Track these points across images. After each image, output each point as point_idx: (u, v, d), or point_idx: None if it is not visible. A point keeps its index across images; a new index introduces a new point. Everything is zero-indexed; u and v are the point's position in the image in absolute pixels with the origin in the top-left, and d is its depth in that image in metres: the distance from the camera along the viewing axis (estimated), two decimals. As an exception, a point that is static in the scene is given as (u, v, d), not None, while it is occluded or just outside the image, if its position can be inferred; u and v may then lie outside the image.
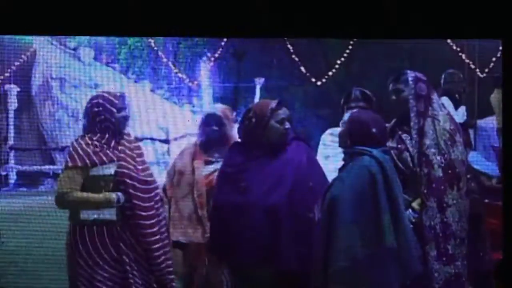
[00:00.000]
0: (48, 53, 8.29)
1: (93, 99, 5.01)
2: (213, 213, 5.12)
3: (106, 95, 5.02)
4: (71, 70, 9.26)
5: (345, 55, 9.49)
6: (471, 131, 7.74)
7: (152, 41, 8.96)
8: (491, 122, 7.99)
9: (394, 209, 4.69)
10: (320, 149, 5.65)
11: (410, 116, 5.03)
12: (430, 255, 4.93)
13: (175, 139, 8.59)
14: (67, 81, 9.53)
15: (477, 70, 8.96)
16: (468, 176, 5.37)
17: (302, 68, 9.64)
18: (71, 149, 4.91)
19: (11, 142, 8.93)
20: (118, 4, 5.46)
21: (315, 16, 5.50)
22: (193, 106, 9.90)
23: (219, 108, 5.54)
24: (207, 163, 5.30)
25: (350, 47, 9.37)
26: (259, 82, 9.64)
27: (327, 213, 4.74)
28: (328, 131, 5.66)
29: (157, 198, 5.06)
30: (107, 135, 4.94)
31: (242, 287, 5.12)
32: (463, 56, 8.92)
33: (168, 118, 8.63)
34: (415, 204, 4.96)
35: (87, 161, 4.86)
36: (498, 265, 4.26)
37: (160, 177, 5.42)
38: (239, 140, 5.22)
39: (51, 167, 8.90)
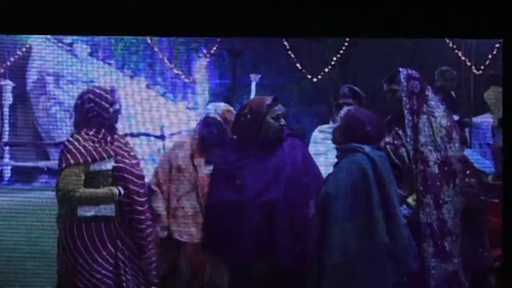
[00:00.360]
0: (43, 49, 8.25)
1: (84, 95, 5.00)
2: (208, 211, 5.11)
3: (97, 90, 5.01)
4: (67, 66, 9.22)
5: (341, 52, 9.49)
6: (466, 129, 7.75)
7: (148, 37, 8.94)
8: (486, 120, 8.01)
9: (386, 205, 4.70)
10: (311, 146, 5.65)
11: (404, 113, 5.04)
12: (427, 252, 4.94)
13: (171, 135, 8.56)
14: (62, 77, 9.50)
15: (473, 67, 8.97)
16: (468, 172, 5.38)
17: (298, 65, 9.64)
18: (70, 146, 4.90)
19: (6, 137, 8.90)
20: (115, 4, 5.46)
21: (312, 15, 5.50)
22: (189, 103, 9.88)
23: (220, 109, 5.42)
24: (207, 162, 5.26)
25: (346, 44, 9.37)
26: (255, 78, 9.62)
27: (320, 210, 4.76)
28: (318, 128, 5.65)
29: (147, 193, 5.10)
30: (103, 130, 4.94)
31: (239, 284, 5.12)
32: (460, 54, 8.93)
33: (164, 114, 8.59)
34: (410, 200, 4.97)
35: (88, 157, 4.87)
36: (499, 264, 4.28)
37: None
38: (234, 137, 5.21)
39: (46, 162, 8.88)
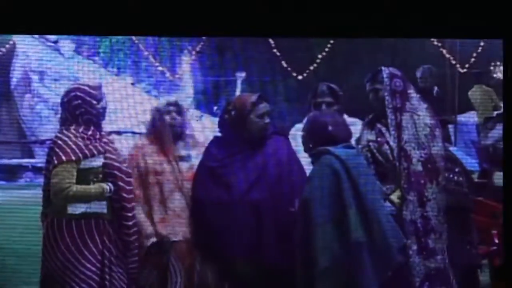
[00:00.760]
0: (27, 46, 8.20)
1: (71, 92, 4.98)
2: (194, 208, 5.10)
3: (84, 87, 4.99)
4: (51, 63, 9.18)
5: (326, 49, 9.48)
6: (451, 127, 7.77)
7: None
8: (471, 118, 8.04)
9: (361, 202, 4.72)
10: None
11: (387, 112, 5.06)
12: (411, 249, 4.95)
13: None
14: (47, 74, 9.46)
15: (458, 65, 8.99)
16: (457, 170, 5.40)
17: (283, 63, 9.63)
18: (60, 142, 4.88)
19: (-10, 135, 8.87)
20: (101, 3, 5.44)
21: (299, 15, 5.50)
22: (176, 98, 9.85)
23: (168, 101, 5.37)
24: (180, 159, 5.21)
25: (332, 41, 9.36)
26: (240, 76, 9.60)
27: (301, 214, 4.77)
28: (295, 127, 5.64)
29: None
30: (91, 127, 4.93)
31: (227, 283, 5.12)
32: (444, 52, 8.94)
33: (149, 112, 8.58)
34: (393, 197, 4.98)
35: (80, 154, 4.86)
36: (499, 265, 4.30)
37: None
38: (219, 134, 5.20)
39: (31, 160, 8.85)
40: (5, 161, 8.67)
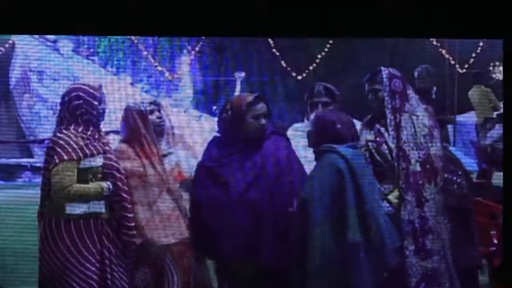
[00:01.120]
0: (27, 46, 8.22)
1: (72, 92, 4.96)
2: (193, 208, 5.09)
3: (86, 87, 4.97)
4: (50, 62, 9.19)
5: (326, 49, 9.50)
6: (450, 127, 7.78)
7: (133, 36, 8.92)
8: (470, 118, 8.05)
9: (361, 203, 4.71)
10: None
11: (386, 113, 5.06)
12: (408, 249, 4.95)
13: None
14: (46, 74, 9.48)
15: (457, 66, 9.00)
16: (460, 172, 5.41)
17: (283, 63, 9.64)
18: (61, 141, 4.87)
19: (-12, 135, 8.87)
20: (101, 3, 5.44)
21: (299, 15, 5.50)
22: (174, 100, 9.87)
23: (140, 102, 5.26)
24: (164, 157, 5.12)
25: (331, 41, 9.37)
26: (239, 76, 9.61)
27: (300, 212, 4.76)
28: (292, 127, 5.63)
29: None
30: (91, 127, 4.92)
31: (225, 283, 5.12)
32: (443, 52, 8.95)
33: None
34: (391, 197, 4.98)
35: (80, 153, 4.85)
36: (499, 265, 4.29)
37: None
38: (218, 134, 5.20)
39: (29, 160, 8.85)
40: (3, 160, 8.68)
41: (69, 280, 4.81)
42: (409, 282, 4.94)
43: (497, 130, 6.49)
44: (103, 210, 4.90)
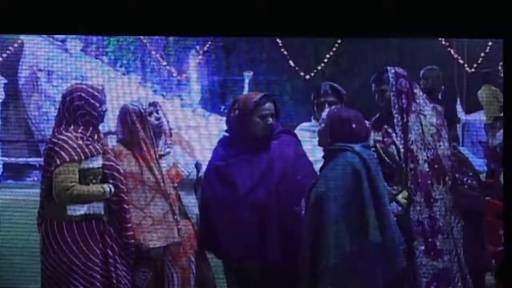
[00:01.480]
0: (35, 45, 8.20)
1: (74, 92, 4.95)
2: (202, 207, 5.09)
3: (88, 88, 4.97)
4: (59, 62, 9.17)
5: (334, 49, 9.48)
6: (459, 126, 7.76)
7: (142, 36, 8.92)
8: (479, 118, 8.02)
9: (379, 204, 4.70)
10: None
11: (393, 113, 5.05)
12: (418, 249, 4.94)
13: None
14: (54, 73, 9.47)
15: (466, 65, 8.98)
16: (471, 173, 5.40)
17: (291, 62, 9.63)
18: (61, 143, 4.87)
19: (-3, 134, 8.88)
20: (109, 3, 5.45)
21: (307, 15, 5.49)
22: (182, 100, 9.87)
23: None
24: (159, 157, 5.10)
25: (339, 41, 9.36)
26: (248, 75, 9.60)
27: (313, 211, 4.75)
28: (299, 126, 5.60)
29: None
30: (91, 128, 4.92)
31: (231, 282, 5.12)
32: (452, 51, 8.93)
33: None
34: (400, 198, 4.97)
35: (81, 154, 4.85)
36: (499, 265, 4.28)
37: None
38: (226, 133, 5.20)
39: (38, 159, 8.85)
40: (12, 160, 8.70)
41: (73, 281, 4.82)
42: (419, 282, 4.95)
43: (506, 130, 6.47)
44: (102, 212, 4.90)
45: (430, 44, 8.34)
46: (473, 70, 9.05)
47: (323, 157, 4.92)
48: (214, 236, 5.00)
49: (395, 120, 5.05)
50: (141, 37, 9.01)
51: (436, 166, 5.03)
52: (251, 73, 9.59)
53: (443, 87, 7.62)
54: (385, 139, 5.08)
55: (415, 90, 5.13)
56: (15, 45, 8.76)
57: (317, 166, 5.03)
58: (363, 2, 5.48)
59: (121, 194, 4.93)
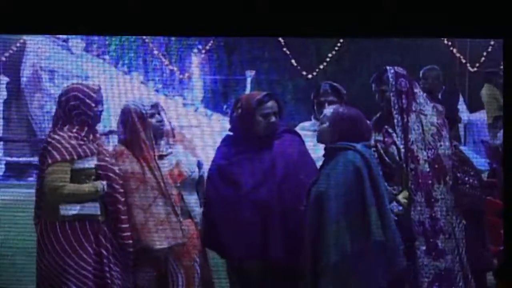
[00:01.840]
0: (38, 44, 8.22)
1: (70, 92, 4.94)
2: (205, 206, 5.09)
3: (84, 88, 4.95)
4: (61, 61, 9.19)
5: (336, 48, 9.50)
6: (461, 126, 7.76)
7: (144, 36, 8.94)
8: (481, 117, 8.01)
9: (380, 203, 4.70)
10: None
11: (393, 113, 5.04)
12: (419, 250, 4.94)
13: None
14: (57, 73, 9.49)
15: (468, 64, 8.99)
16: (472, 172, 5.39)
17: (293, 61, 9.64)
18: (54, 142, 4.86)
19: (0, 133, 8.91)
20: (111, 3, 5.45)
21: (308, 14, 5.49)
22: (184, 99, 9.89)
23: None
24: (161, 158, 5.08)
25: (341, 41, 9.37)
26: (250, 75, 9.61)
27: (314, 209, 4.75)
28: (299, 126, 5.60)
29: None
30: (86, 128, 4.91)
31: (233, 281, 5.12)
32: (454, 51, 8.94)
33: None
34: (400, 197, 4.97)
35: (74, 154, 4.84)
36: (499, 264, 4.28)
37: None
38: (230, 132, 5.20)
39: (40, 158, 8.86)
40: (14, 159, 8.71)
41: (66, 281, 4.82)
42: (421, 283, 4.94)
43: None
44: (98, 212, 4.90)
45: (433, 44, 8.34)
46: (475, 69, 9.06)
47: (324, 155, 4.92)
48: (217, 234, 5.00)
49: (395, 120, 5.05)
50: (143, 36, 9.03)
51: (436, 166, 5.02)
52: (253, 72, 9.60)
53: (444, 86, 7.62)
54: (386, 139, 5.07)
55: (415, 90, 5.13)
56: (18, 44, 8.79)
57: (318, 164, 5.03)
58: (364, 2, 5.47)
59: (115, 195, 4.91)
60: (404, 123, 5.03)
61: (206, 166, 5.20)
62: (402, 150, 5.01)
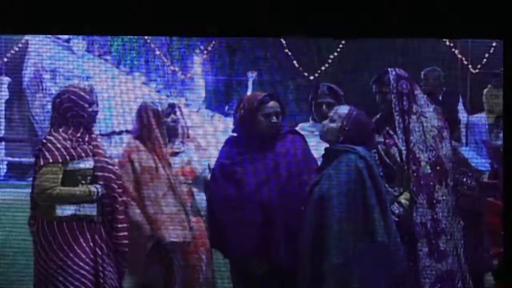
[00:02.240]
0: (40, 45, 8.23)
1: (62, 94, 4.98)
2: (209, 205, 5.11)
3: (76, 90, 4.98)
4: (63, 62, 9.20)
5: (338, 50, 9.50)
6: (462, 127, 7.75)
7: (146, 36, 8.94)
8: (482, 118, 8.02)
9: (382, 206, 4.69)
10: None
11: (394, 115, 5.04)
12: (421, 251, 4.94)
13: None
14: (58, 73, 9.49)
15: (470, 66, 8.98)
16: (470, 174, 5.39)
17: (295, 63, 9.64)
18: (48, 143, 4.88)
19: (1, 133, 8.90)
20: (113, 3, 5.46)
21: (310, 15, 5.49)
22: (186, 99, 9.88)
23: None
24: (174, 155, 5.18)
25: (343, 42, 9.37)
26: (252, 75, 9.61)
27: (316, 210, 4.75)
28: (298, 126, 5.59)
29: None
30: (81, 130, 4.93)
31: (239, 281, 5.13)
32: (456, 52, 8.93)
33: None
34: (402, 199, 4.97)
35: (67, 156, 4.86)
36: (498, 264, 4.28)
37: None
38: (234, 133, 5.21)
39: (42, 158, 8.85)
40: (16, 159, 8.70)
41: (63, 280, 4.83)
42: (422, 284, 4.93)
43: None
44: (94, 213, 4.91)
45: (434, 45, 8.34)
46: (477, 70, 9.05)
47: (323, 156, 4.91)
48: (220, 234, 5.02)
49: (396, 122, 5.04)
50: (145, 36, 9.03)
51: (438, 167, 5.02)
52: (255, 73, 9.60)
53: (444, 88, 7.62)
54: (387, 141, 5.07)
55: (416, 92, 5.12)
56: (20, 44, 8.79)
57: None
58: (364, 2, 5.47)
59: (113, 194, 4.94)
60: (405, 125, 5.03)
61: (211, 166, 5.23)
62: (404, 152, 5.01)
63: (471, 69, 8.99)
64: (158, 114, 5.16)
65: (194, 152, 5.25)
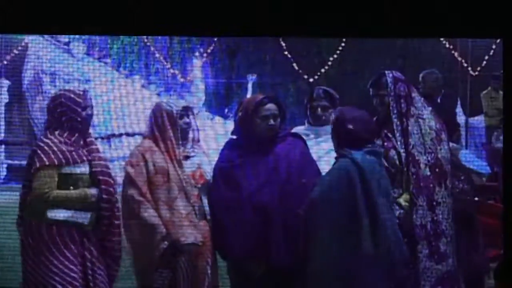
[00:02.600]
0: (39, 48, 8.25)
1: (55, 99, 4.99)
2: (211, 208, 5.11)
3: (69, 94, 4.99)
4: (63, 64, 9.20)
5: (338, 52, 9.50)
6: (462, 130, 7.76)
7: (144, 36, 8.94)
8: (482, 120, 8.03)
9: (374, 214, 4.66)
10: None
11: (392, 118, 5.04)
12: (422, 253, 4.94)
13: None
14: (58, 76, 9.49)
15: (470, 68, 8.99)
16: (462, 177, 5.39)
17: (295, 65, 9.65)
18: (43, 146, 4.88)
19: (1, 136, 8.90)
20: (112, 4, 5.46)
21: (309, 15, 5.50)
22: (186, 102, 9.88)
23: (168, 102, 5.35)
24: (186, 158, 5.18)
25: (343, 44, 9.38)
26: (251, 78, 9.62)
27: (307, 214, 4.75)
28: (293, 130, 5.58)
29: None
30: (76, 134, 4.94)
31: (238, 283, 5.13)
32: (456, 54, 8.94)
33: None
34: (401, 200, 4.97)
35: (62, 159, 4.86)
36: (498, 265, 4.26)
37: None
38: (233, 136, 5.21)
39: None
40: (16, 162, 8.70)
41: (52, 282, 4.83)
42: (422, 286, 4.93)
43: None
44: (86, 222, 4.91)
45: (434, 48, 8.35)
46: (476, 73, 9.06)
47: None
48: (219, 236, 5.02)
49: (394, 125, 5.05)
50: (145, 39, 9.03)
51: (437, 169, 5.02)
52: (255, 76, 9.60)
53: (443, 90, 7.62)
54: (385, 143, 5.07)
55: (413, 94, 5.12)
56: (19, 47, 8.79)
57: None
58: (364, 2, 5.47)
59: (111, 198, 4.96)
60: (404, 128, 5.03)
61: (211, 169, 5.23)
62: (403, 155, 5.01)
63: (470, 71, 8.99)
64: (173, 115, 5.16)
65: (204, 157, 5.26)
